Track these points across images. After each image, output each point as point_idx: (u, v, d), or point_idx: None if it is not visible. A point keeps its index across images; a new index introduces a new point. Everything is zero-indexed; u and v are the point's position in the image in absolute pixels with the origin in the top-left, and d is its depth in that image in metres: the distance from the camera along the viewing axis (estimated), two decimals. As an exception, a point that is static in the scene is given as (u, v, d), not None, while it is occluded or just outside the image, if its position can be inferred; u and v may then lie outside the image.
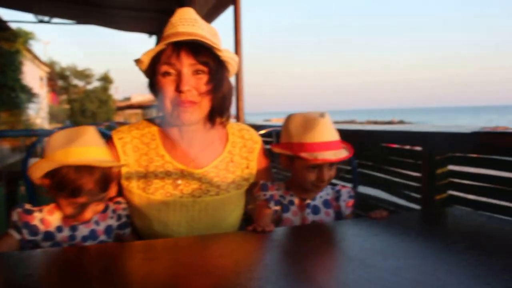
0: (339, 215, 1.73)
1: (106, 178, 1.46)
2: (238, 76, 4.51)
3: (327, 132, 1.60)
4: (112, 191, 1.58)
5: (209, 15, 5.76)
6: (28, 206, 1.49)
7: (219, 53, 1.53)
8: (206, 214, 1.61)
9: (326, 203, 1.72)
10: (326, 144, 1.59)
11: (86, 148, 1.44)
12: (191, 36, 1.47)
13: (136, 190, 1.60)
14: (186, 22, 1.52)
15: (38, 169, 1.43)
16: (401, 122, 66.09)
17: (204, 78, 1.51)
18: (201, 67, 1.50)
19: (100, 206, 1.51)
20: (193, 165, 1.63)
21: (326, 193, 1.75)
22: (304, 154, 1.57)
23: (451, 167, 2.21)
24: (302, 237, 1.40)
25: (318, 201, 1.71)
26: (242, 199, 1.71)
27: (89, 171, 1.41)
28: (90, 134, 1.48)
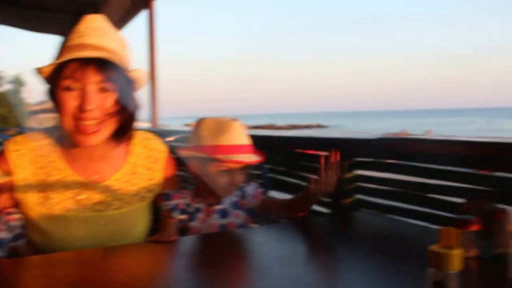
0: (251, 212, 1.74)
1: None
2: (153, 81, 4.46)
3: (241, 136, 1.62)
4: (1, 202, 1.48)
5: (123, 19, 5.63)
6: None
7: (127, 73, 1.45)
8: (110, 228, 1.54)
9: (235, 205, 1.73)
10: (240, 147, 1.60)
11: None
12: (98, 51, 1.38)
13: (34, 205, 1.49)
14: (94, 33, 1.42)
15: None
16: (319, 125, 68.04)
17: (110, 96, 1.42)
18: (108, 84, 1.40)
19: None
20: (95, 178, 1.54)
21: (232, 196, 1.75)
22: (219, 156, 1.56)
23: (358, 172, 2.28)
24: (206, 246, 1.39)
25: (226, 204, 1.71)
26: (147, 211, 1.65)
27: None
28: None
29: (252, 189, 1.78)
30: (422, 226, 1.69)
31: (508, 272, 1.07)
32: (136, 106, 1.53)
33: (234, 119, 1.63)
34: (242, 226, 1.70)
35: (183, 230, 1.62)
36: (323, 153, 2.51)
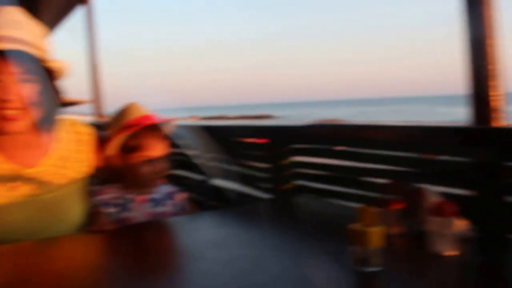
0: (179, 209, 1.79)
1: None
2: (95, 75, 4.45)
3: (139, 111, 1.71)
4: None
5: (61, 14, 5.50)
6: None
7: (45, 64, 1.47)
8: (46, 211, 1.56)
9: (168, 195, 1.77)
10: (145, 116, 1.69)
11: None
12: (15, 43, 1.39)
13: None
14: (10, 25, 1.42)
15: None
16: (268, 116, 68.35)
17: (30, 86, 1.44)
18: (26, 76, 1.42)
19: None
20: (24, 165, 1.54)
21: (166, 187, 1.81)
22: (127, 131, 1.64)
23: (294, 158, 2.33)
24: (141, 234, 1.41)
25: (159, 194, 1.75)
26: (81, 194, 1.67)
27: None
28: None
29: (179, 191, 1.85)
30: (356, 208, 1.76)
31: (427, 246, 1.15)
32: (57, 96, 1.56)
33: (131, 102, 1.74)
34: (175, 215, 1.74)
35: (117, 221, 1.64)
36: (262, 141, 2.58)
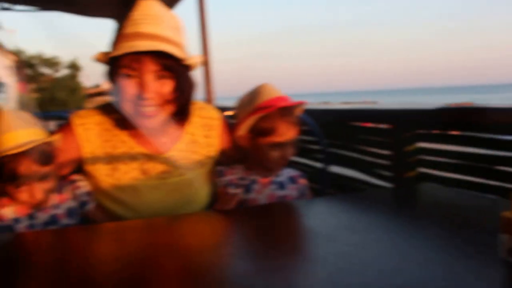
0: (301, 193, 1.75)
1: (45, 153, 1.42)
2: (206, 62, 4.49)
3: (275, 91, 1.65)
4: (64, 170, 1.55)
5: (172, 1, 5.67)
6: None
7: (183, 61, 1.48)
8: (174, 194, 1.61)
9: (291, 179, 1.74)
10: (279, 98, 1.62)
11: (9, 134, 1.38)
12: (154, 40, 1.40)
13: (102, 176, 1.58)
14: (148, 20, 1.43)
15: None
16: (373, 103, 66.59)
17: (167, 83, 1.46)
18: (165, 72, 1.44)
19: (50, 184, 1.46)
20: (157, 150, 1.61)
21: (289, 170, 1.77)
22: (260, 112, 1.59)
23: (419, 144, 2.22)
24: (267, 215, 1.39)
25: (282, 177, 1.72)
26: (208, 177, 1.72)
27: (21, 153, 1.36)
28: (8, 118, 1.41)
29: (302, 177, 1.80)
30: (491, 199, 1.63)
31: None
32: (192, 89, 1.57)
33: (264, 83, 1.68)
34: (297, 199, 1.70)
35: (241, 203, 1.64)
36: (381, 126, 2.48)
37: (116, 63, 1.43)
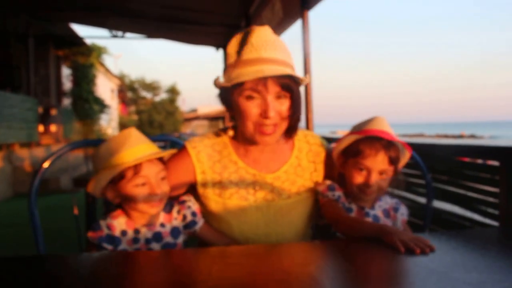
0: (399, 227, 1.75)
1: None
2: (307, 88, 4.53)
3: (385, 126, 1.70)
4: (176, 191, 1.69)
5: (276, 30, 5.84)
6: (95, 225, 1.58)
7: (298, 81, 1.60)
8: (281, 216, 1.70)
9: (385, 212, 1.76)
10: (382, 132, 1.67)
11: (137, 147, 1.54)
12: (275, 65, 1.54)
13: (212, 196, 1.69)
14: (267, 45, 1.57)
15: (98, 183, 1.54)
16: (472, 136, 63.29)
17: (285, 102, 1.59)
18: (284, 92, 1.57)
19: (163, 204, 1.59)
20: (265, 171, 1.72)
21: (385, 202, 1.79)
22: (356, 134, 1.68)
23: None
24: (375, 248, 1.40)
25: (377, 210, 1.75)
26: (312, 201, 1.78)
27: (149, 164, 1.53)
28: (135, 134, 1.58)
29: (404, 210, 1.81)
30: None
31: None
32: (300, 107, 1.67)
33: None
34: None
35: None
36: (492, 163, 2.40)
37: (238, 87, 1.56)
